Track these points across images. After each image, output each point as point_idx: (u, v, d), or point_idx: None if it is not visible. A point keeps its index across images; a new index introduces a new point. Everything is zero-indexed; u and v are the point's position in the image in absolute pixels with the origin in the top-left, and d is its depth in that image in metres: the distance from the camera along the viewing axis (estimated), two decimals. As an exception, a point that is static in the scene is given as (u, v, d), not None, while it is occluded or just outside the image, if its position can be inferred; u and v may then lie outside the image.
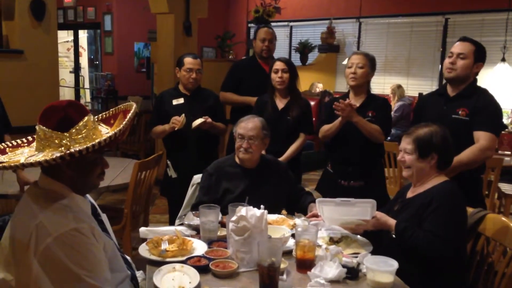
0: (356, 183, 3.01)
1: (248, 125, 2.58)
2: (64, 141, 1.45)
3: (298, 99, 3.37)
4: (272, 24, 7.30)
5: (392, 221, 2.11)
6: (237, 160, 2.64)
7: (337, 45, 8.97)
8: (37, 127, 1.49)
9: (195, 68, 3.48)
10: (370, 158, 3.03)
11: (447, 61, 2.69)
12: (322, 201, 2.23)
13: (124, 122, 1.52)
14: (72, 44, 10.79)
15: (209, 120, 3.37)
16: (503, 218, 2.12)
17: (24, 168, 1.50)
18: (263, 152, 2.78)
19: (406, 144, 2.21)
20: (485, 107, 2.59)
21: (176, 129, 3.35)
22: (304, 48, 8.58)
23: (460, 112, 2.62)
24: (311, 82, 8.36)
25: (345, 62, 8.01)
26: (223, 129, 3.63)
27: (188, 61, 3.48)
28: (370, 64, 3.00)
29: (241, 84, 3.91)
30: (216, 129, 3.52)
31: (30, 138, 1.61)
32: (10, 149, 1.57)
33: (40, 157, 1.43)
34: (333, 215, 2.20)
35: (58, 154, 1.40)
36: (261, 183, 2.58)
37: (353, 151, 3.00)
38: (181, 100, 3.53)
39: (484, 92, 2.68)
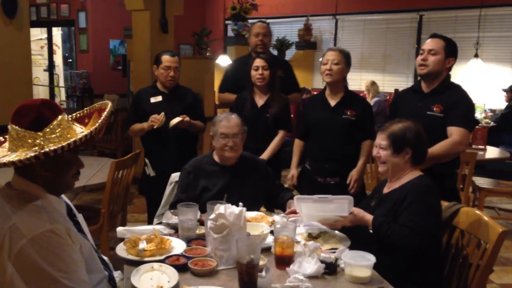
0: (332, 180, 3.04)
1: (231, 123, 2.57)
2: (38, 141, 1.42)
3: (277, 97, 3.37)
4: (249, 21, 7.31)
5: (369, 217, 2.14)
6: (215, 158, 2.64)
7: (314, 42, 9.03)
8: (9, 127, 1.45)
9: (173, 66, 3.44)
10: (346, 154, 3.05)
11: (419, 58, 2.73)
12: (300, 198, 2.25)
13: (99, 121, 1.50)
14: (46, 41, 10.58)
15: (187, 118, 3.35)
16: (477, 211, 2.16)
17: None
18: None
19: (380, 140, 2.24)
20: (458, 103, 2.64)
21: (155, 127, 3.32)
22: (282, 45, 8.60)
23: (434, 109, 2.67)
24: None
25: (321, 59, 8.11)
26: (201, 127, 3.61)
27: (166, 58, 3.45)
28: (345, 61, 3.01)
29: (237, 83, 3.75)
30: (195, 127, 3.50)
31: (1, 138, 1.57)
32: (-18, 150, 1.54)
33: (13, 157, 1.40)
34: (311, 212, 2.21)
35: (32, 154, 1.37)
36: (240, 181, 2.58)
37: (329, 148, 3.02)
38: (159, 98, 3.50)
39: (457, 87, 2.73)
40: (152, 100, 3.49)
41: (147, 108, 3.45)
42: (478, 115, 6.73)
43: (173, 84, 3.50)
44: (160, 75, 3.48)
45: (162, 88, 3.53)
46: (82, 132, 1.53)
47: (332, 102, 3.05)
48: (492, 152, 5.01)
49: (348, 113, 3.00)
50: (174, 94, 3.52)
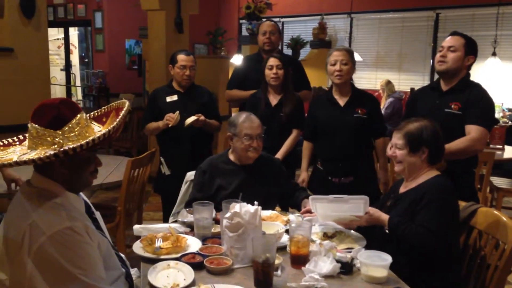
0: (347, 179, 3.02)
1: (254, 124, 2.57)
2: (57, 139, 1.44)
3: (291, 96, 3.37)
4: (263, 20, 7.30)
5: (385, 216, 2.12)
6: (230, 157, 2.64)
7: (328, 40, 8.99)
8: (29, 125, 1.48)
9: (189, 65, 3.46)
10: (359, 153, 3.04)
11: (438, 55, 2.70)
12: (315, 198, 2.24)
13: (117, 120, 1.51)
14: (62, 41, 10.71)
15: (202, 117, 3.36)
16: (495, 212, 2.14)
17: (13, 166, 1.48)
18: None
19: (396, 139, 2.22)
20: (478, 101, 2.60)
21: (170, 125, 3.34)
22: (296, 44, 8.58)
23: (452, 106, 2.64)
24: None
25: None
26: (216, 126, 3.62)
27: (182, 58, 3.47)
28: (352, 60, 3.00)
29: (246, 80, 3.79)
30: (210, 126, 3.51)
31: (21, 136, 1.60)
32: (1, 147, 1.56)
33: (33, 155, 1.42)
34: (326, 212, 2.20)
35: (52, 152, 1.39)
36: (255, 179, 2.58)
37: (341, 147, 3.01)
38: (175, 97, 3.52)
39: (477, 86, 2.69)
40: (168, 99, 3.52)
41: (163, 107, 3.48)
42: (496, 114, 6.63)
43: (188, 83, 3.52)
44: (176, 74, 3.50)
45: (177, 87, 3.55)
46: (100, 131, 1.55)
47: (341, 102, 3.03)
48: (510, 152, 4.94)
49: (359, 111, 2.99)
50: (189, 93, 3.54)
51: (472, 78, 2.76)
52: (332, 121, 3.04)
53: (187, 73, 3.46)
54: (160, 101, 3.53)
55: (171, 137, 3.48)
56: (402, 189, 2.27)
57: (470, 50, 2.65)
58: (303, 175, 3.27)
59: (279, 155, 3.24)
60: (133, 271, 1.88)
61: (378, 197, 2.72)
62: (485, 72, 6.95)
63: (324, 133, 3.10)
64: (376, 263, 1.80)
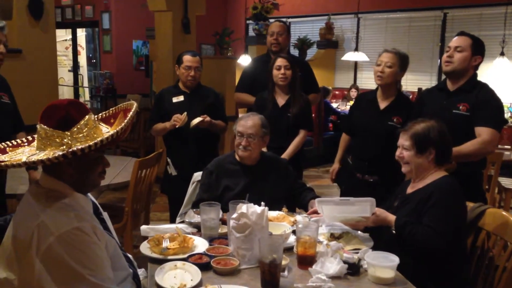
0: (371, 178, 3.01)
1: (248, 122, 2.58)
2: (65, 140, 1.45)
3: (299, 96, 3.37)
4: (271, 20, 7.31)
5: (392, 217, 2.12)
6: (237, 157, 2.65)
7: (335, 41, 8.98)
8: (38, 126, 1.49)
9: (194, 65, 3.46)
10: (388, 157, 3.00)
11: (445, 55, 2.69)
12: (322, 200, 2.24)
13: (125, 121, 1.52)
14: (70, 42, 10.78)
15: (208, 118, 3.36)
16: (503, 213, 2.13)
17: (25, 166, 1.50)
18: (264, 149, 2.78)
19: (404, 140, 2.22)
20: (487, 102, 2.59)
21: (177, 126, 3.35)
22: (303, 44, 8.58)
23: (460, 107, 2.62)
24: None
25: (344, 57, 8.08)
26: (223, 127, 3.62)
27: (187, 58, 3.47)
28: (400, 64, 2.93)
29: (255, 82, 3.76)
30: (216, 127, 3.52)
31: (29, 137, 1.61)
32: (10, 148, 1.58)
33: (41, 155, 1.43)
34: (333, 213, 2.20)
35: (60, 153, 1.40)
36: (261, 180, 2.58)
37: (371, 149, 2.99)
38: (181, 98, 3.53)
39: (485, 86, 2.67)
40: (174, 99, 3.52)
41: (170, 107, 3.48)
42: (505, 114, 6.58)
43: (193, 84, 3.52)
44: (181, 75, 3.50)
45: (184, 88, 3.55)
46: (108, 132, 1.56)
47: (382, 105, 3.00)
48: (518, 152, 4.91)
49: (395, 120, 2.93)
50: (196, 94, 3.54)
51: (480, 78, 2.74)
52: (366, 122, 3.03)
53: (191, 74, 3.46)
54: (167, 101, 3.54)
55: (178, 138, 3.48)
56: (409, 190, 2.26)
57: (477, 51, 2.64)
58: (334, 165, 3.33)
59: (285, 155, 3.24)
60: (141, 272, 1.88)
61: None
62: (493, 72, 6.90)
63: (358, 131, 3.11)
64: (383, 264, 1.79)
